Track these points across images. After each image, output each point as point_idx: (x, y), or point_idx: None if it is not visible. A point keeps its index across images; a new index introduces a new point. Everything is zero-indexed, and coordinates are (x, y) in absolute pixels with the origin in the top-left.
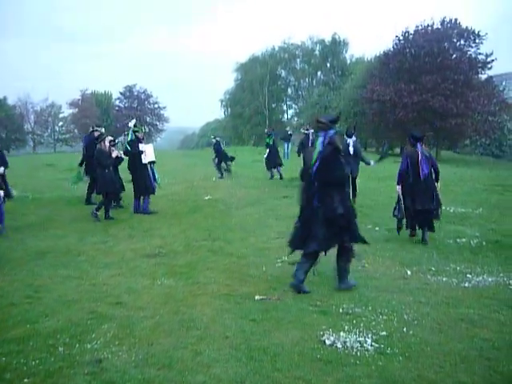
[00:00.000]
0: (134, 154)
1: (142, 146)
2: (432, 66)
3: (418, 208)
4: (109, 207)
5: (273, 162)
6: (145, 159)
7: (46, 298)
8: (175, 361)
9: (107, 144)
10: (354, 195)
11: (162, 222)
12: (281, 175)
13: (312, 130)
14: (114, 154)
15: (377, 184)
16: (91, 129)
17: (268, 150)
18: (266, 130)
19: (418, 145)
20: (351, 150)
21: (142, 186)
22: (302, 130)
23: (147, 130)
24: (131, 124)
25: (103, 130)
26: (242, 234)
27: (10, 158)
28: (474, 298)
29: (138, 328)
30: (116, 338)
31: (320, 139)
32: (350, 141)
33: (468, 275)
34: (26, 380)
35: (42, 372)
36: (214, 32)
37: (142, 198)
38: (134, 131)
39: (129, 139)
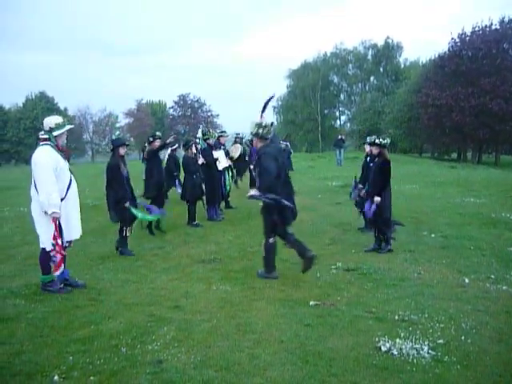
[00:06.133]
0: (209, 163)
1: (215, 154)
2: (490, 68)
3: None
4: (194, 213)
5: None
6: (220, 166)
7: (108, 301)
8: (232, 363)
9: (194, 151)
10: None
11: (216, 228)
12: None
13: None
14: (200, 161)
15: (433, 190)
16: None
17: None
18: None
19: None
20: None
21: (217, 194)
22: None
23: (216, 134)
24: (199, 133)
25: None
26: None
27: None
28: None
29: (195, 331)
30: (175, 340)
31: None
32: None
33: None
34: (92, 378)
35: (106, 371)
36: (265, 39)
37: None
38: (205, 139)
39: (201, 148)
